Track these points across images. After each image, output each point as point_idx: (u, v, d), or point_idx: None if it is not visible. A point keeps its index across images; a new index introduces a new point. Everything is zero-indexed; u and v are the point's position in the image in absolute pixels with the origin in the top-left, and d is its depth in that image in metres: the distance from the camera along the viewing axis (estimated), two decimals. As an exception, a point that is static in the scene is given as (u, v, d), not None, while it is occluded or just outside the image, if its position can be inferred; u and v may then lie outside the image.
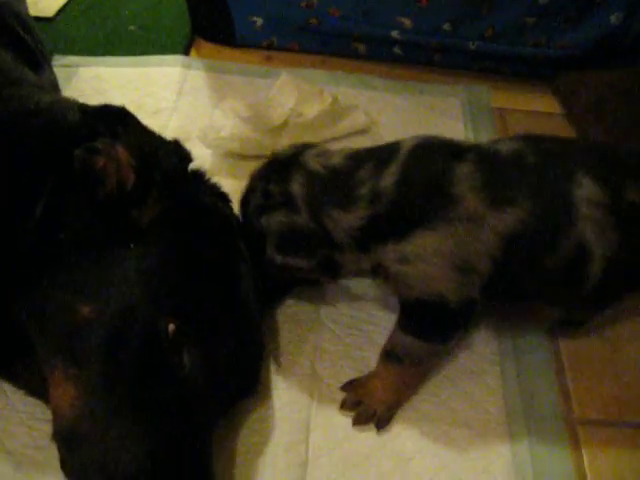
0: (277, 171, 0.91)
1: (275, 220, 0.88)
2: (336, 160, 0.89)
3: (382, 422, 0.91)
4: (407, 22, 1.45)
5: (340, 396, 0.93)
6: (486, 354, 1.01)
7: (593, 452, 0.92)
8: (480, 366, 0.99)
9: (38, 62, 1.19)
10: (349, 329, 1.02)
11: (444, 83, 1.56)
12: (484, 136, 1.40)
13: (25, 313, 0.82)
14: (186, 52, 1.59)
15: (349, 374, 0.96)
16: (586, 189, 0.81)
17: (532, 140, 0.87)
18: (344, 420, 0.92)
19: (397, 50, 1.55)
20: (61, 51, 1.55)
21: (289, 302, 1.05)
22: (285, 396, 0.94)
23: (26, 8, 1.36)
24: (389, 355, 0.90)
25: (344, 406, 0.92)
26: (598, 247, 0.81)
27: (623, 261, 0.84)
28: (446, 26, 1.45)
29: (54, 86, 1.23)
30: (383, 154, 0.88)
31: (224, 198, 0.99)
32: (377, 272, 0.88)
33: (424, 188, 0.83)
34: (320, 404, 0.93)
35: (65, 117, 0.92)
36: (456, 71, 1.59)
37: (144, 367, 0.77)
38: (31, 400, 0.92)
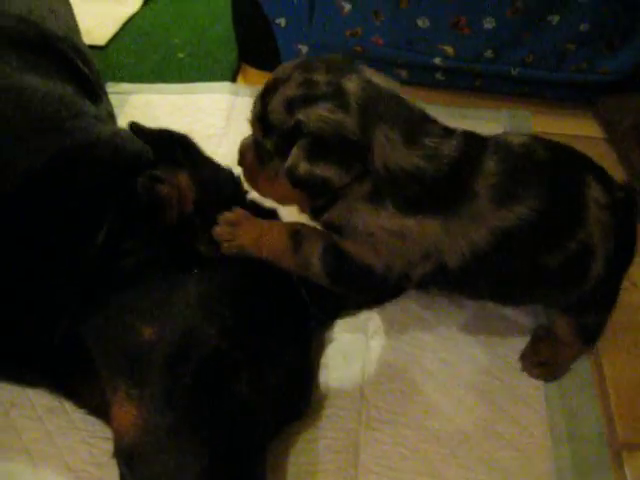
0: (324, 63, 0.80)
1: (318, 113, 0.75)
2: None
3: (229, 248, 0.87)
4: (449, 50, 1.47)
5: (389, 417, 0.96)
6: (531, 379, 1.02)
7: (637, 476, 0.93)
8: (524, 390, 1.00)
9: (96, 93, 1.24)
10: (395, 352, 1.05)
11: (486, 108, 1.58)
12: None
13: (90, 335, 0.86)
14: (233, 79, 1.64)
15: (396, 397, 0.98)
16: (595, 190, 0.82)
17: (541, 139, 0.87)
18: (392, 441, 0.94)
19: (439, 76, 1.57)
20: (113, 78, 1.61)
21: (336, 326, 1.08)
22: (334, 418, 0.96)
23: (82, 39, 1.42)
24: (296, 235, 0.86)
25: (219, 220, 0.87)
26: (602, 247, 0.82)
27: (618, 261, 0.86)
28: (488, 53, 1.47)
29: (111, 115, 1.28)
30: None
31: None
32: (343, 226, 0.82)
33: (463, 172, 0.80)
34: (368, 426, 0.96)
35: (125, 148, 0.96)
36: (498, 96, 1.61)
37: (203, 388, 0.80)
38: (91, 418, 0.95)
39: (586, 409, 0.99)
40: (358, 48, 1.52)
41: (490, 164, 0.80)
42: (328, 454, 0.93)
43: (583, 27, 1.42)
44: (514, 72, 1.50)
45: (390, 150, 0.77)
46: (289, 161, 0.77)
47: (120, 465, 0.82)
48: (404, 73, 1.59)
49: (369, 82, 0.79)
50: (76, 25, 1.44)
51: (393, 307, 1.11)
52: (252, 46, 1.66)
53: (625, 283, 0.94)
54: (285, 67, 0.82)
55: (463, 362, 1.03)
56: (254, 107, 0.83)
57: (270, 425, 0.86)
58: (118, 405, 0.82)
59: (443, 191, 0.79)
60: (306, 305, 0.95)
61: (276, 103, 0.78)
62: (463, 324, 1.08)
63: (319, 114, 0.75)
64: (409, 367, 1.02)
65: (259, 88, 0.84)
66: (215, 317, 0.83)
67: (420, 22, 1.45)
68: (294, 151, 0.76)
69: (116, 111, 1.41)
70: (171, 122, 1.45)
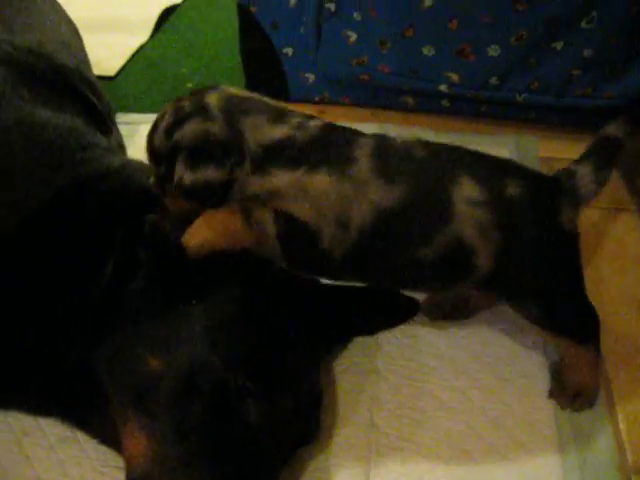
0: (190, 93, 0.92)
1: (188, 130, 0.85)
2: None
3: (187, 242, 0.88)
4: (455, 77, 1.49)
5: (399, 444, 0.96)
6: (540, 405, 1.02)
7: (648, 502, 0.93)
8: (534, 416, 1.00)
9: (106, 125, 1.26)
10: (405, 379, 1.05)
11: (492, 134, 1.59)
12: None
13: (100, 365, 0.87)
14: (241, 108, 1.66)
15: (407, 424, 0.98)
16: (466, 188, 0.86)
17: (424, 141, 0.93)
18: (404, 469, 0.94)
19: (445, 102, 1.59)
20: (122, 109, 1.63)
21: (346, 352, 1.08)
22: (344, 445, 0.97)
23: (92, 71, 1.44)
24: (244, 210, 0.88)
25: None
26: (482, 241, 0.86)
27: (514, 252, 0.88)
28: (493, 80, 1.48)
29: (121, 146, 1.30)
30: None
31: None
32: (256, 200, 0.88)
33: (336, 140, 0.89)
34: (379, 453, 0.96)
35: (133, 180, 0.98)
36: (503, 121, 1.62)
37: (212, 418, 0.81)
38: (102, 448, 0.95)
39: (596, 435, 0.99)
40: (364, 76, 1.54)
41: (366, 141, 0.89)
42: (339, 480, 0.93)
43: (587, 53, 1.43)
44: (519, 98, 1.51)
45: (259, 131, 0.87)
46: (175, 177, 0.86)
47: (132, 496, 0.83)
48: (410, 100, 1.60)
49: (228, 94, 0.90)
50: (86, 57, 1.47)
51: (403, 333, 1.12)
52: (260, 76, 1.68)
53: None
54: (163, 109, 0.91)
55: (472, 388, 1.03)
56: (146, 144, 0.92)
57: (281, 451, 0.86)
58: (129, 435, 0.83)
59: (319, 150, 0.87)
60: (314, 330, 0.96)
61: (157, 136, 0.89)
62: (472, 350, 1.08)
63: (189, 129, 0.85)
64: (419, 394, 1.03)
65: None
66: (221, 347, 0.84)
67: (425, 50, 1.47)
68: (177, 167, 0.86)
69: (126, 141, 1.43)
70: (180, 151, 1.49)
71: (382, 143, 0.90)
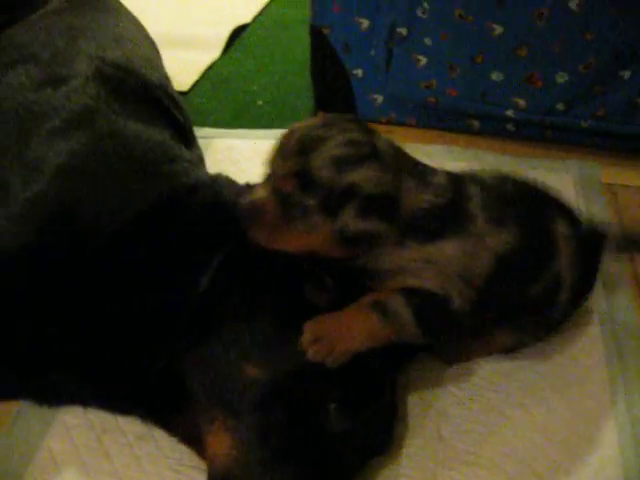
0: (351, 121, 0.86)
1: (366, 176, 0.80)
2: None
3: (336, 361, 0.85)
4: (522, 102, 1.52)
5: (465, 458, 0.99)
6: (604, 426, 1.03)
7: None
8: (598, 436, 1.02)
9: (188, 138, 1.32)
10: (472, 394, 1.07)
11: (556, 159, 1.61)
12: (595, 209, 1.44)
13: (189, 369, 0.91)
14: (310, 126, 1.71)
15: (473, 438, 1.01)
16: (560, 224, 0.94)
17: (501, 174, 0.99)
18: (469, 481, 0.97)
19: (510, 127, 1.61)
20: (195, 123, 1.68)
21: (414, 366, 1.11)
22: (413, 456, 0.99)
23: (173, 87, 1.50)
24: (377, 305, 0.88)
25: (303, 344, 0.85)
26: (569, 276, 0.94)
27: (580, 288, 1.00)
28: (559, 106, 1.51)
29: (201, 159, 1.35)
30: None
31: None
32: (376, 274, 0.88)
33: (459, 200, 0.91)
34: (445, 465, 0.98)
35: (224, 193, 1.02)
36: (567, 146, 1.64)
37: (296, 423, 0.85)
38: (179, 447, 0.99)
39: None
40: (432, 99, 1.58)
41: (473, 189, 0.93)
42: (407, 493, 0.96)
43: (653, 81, 1.45)
44: (584, 124, 1.54)
45: (411, 196, 0.85)
46: (342, 220, 0.81)
47: (213, 492, 0.87)
48: (476, 123, 1.64)
49: (392, 143, 0.88)
50: (166, 73, 1.53)
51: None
52: (329, 95, 1.73)
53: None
54: (312, 126, 0.85)
55: (539, 406, 1.05)
56: (287, 162, 0.83)
57: (357, 460, 0.90)
58: (214, 434, 0.87)
59: (450, 215, 0.88)
60: (390, 344, 0.99)
61: (322, 162, 0.80)
62: (539, 370, 1.10)
63: (370, 175, 0.81)
64: (486, 409, 1.05)
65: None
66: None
67: (494, 76, 1.50)
68: (348, 211, 0.81)
69: (199, 155, 1.49)
70: (251, 166, 1.53)
71: (482, 186, 0.93)
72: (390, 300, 0.88)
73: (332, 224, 0.82)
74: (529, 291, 0.95)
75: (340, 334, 0.86)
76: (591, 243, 1.04)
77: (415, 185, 0.86)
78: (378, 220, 0.82)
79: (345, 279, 0.94)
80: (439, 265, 0.87)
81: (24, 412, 1.06)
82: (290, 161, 0.82)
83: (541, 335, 1.08)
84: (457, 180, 0.93)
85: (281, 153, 0.84)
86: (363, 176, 0.80)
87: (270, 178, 0.86)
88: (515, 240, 0.91)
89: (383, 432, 0.94)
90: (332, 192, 0.80)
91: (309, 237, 0.84)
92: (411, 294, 0.88)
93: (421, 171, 0.90)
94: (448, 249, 0.87)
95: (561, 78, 1.47)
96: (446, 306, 0.88)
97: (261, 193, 0.85)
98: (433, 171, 0.92)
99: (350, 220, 0.81)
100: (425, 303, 0.88)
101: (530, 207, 0.97)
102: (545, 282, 0.95)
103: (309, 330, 0.86)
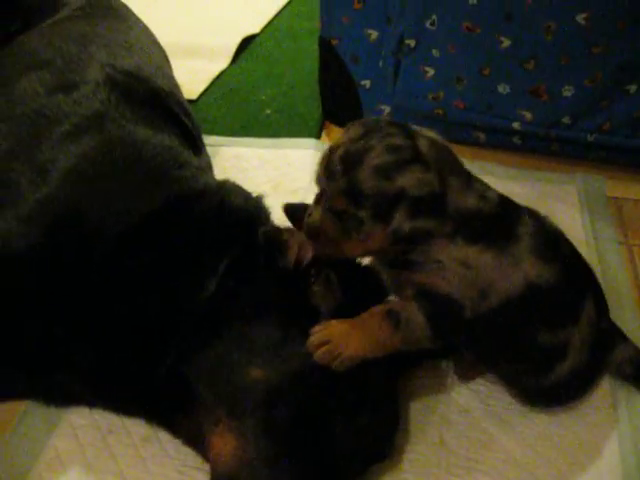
0: (391, 125, 0.88)
1: (412, 178, 0.82)
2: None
3: (342, 365, 0.87)
4: (528, 115, 1.53)
5: (468, 464, 0.99)
6: (605, 433, 1.04)
7: None
8: (599, 443, 1.02)
9: (197, 145, 1.33)
10: (473, 401, 1.08)
11: (561, 172, 1.62)
12: (600, 224, 1.45)
13: (194, 371, 0.92)
14: (318, 135, 1.73)
15: (475, 445, 1.02)
16: (590, 307, 0.98)
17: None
18: (473, 488, 0.97)
19: (516, 139, 1.62)
20: (203, 131, 1.70)
21: (417, 373, 1.12)
22: (415, 463, 1.00)
23: (182, 94, 1.52)
24: (390, 314, 0.90)
25: (311, 345, 0.88)
26: (576, 356, 0.96)
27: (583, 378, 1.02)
28: (565, 119, 1.52)
29: (209, 166, 1.37)
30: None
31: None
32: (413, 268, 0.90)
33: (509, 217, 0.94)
34: (448, 472, 0.99)
35: (230, 200, 1.03)
36: (572, 160, 1.64)
37: (299, 426, 0.86)
38: (183, 449, 1.00)
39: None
40: (439, 111, 1.59)
41: (526, 219, 0.94)
42: (410, 497, 0.96)
43: (658, 96, 1.46)
44: (590, 138, 1.55)
45: (457, 195, 0.87)
46: (395, 224, 0.84)
47: (217, 493, 0.87)
48: (482, 136, 1.65)
49: (435, 141, 0.89)
50: (176, 81, 1.55)
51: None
52: (336, 106, 1.75)
53: None
54: (353, 138, 0.86)
55: (539, 413, 1.06)
56: (336, 182, 0.85)
57: (358, 466, 0.91)
58: (218, 435, 0.88)
59: (495, 226, 0.91)
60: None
61: (367, 174, 0.83)
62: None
63: (414, 178, 0.83)
64: (487, 416, 1.06)
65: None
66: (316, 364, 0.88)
67: (501, 88, 1.52)
68: (398, 215, 0.83)
69: (207, 162, 1.50)
70: (259, 175, 1.55)
71: (539, 220, 0.96)
72: (403, 309, 0.90)
73: (386, 229, 0.85)
74: (538, 337, 0.94)
75: (348, 339, 0.88)
76: (605, 343, 1.05)
77: (460, 185, 0.88)
78: (428, 218, 0.85)
79: (352, 284, 0.96)
80: (472, 272, 0.88)
81: (31, 411, 1.07)
82: (337, 181, 0.85)
83: (521, 398, 1.07)
84: (511, 203, 0.97)
85: (327, 173, 0.87)
86: (408, 180, 0.82)
87: (322, 197, 0.89)
88: (551, 279, 0.92)
89: (385, 437, 0.94)
90: (381, 200, 0.83)
91: (367, 244, 0.88)
92: (425, 298, 0.90)
93: (467, 175, 0.92)
94: (487, 256, 0.88)
95: (567, 91, 1.48)
96: (460, 312, 0.90)
97: (316, 215, 0.88)
98: (486, 186, 0.95)
99: (402, 222, 0.84)
100: (439, 307, 0.90)
101: (575, 268, 1.00)
102: (556, 339, 0.95)
103: (317, 332, 0.88)
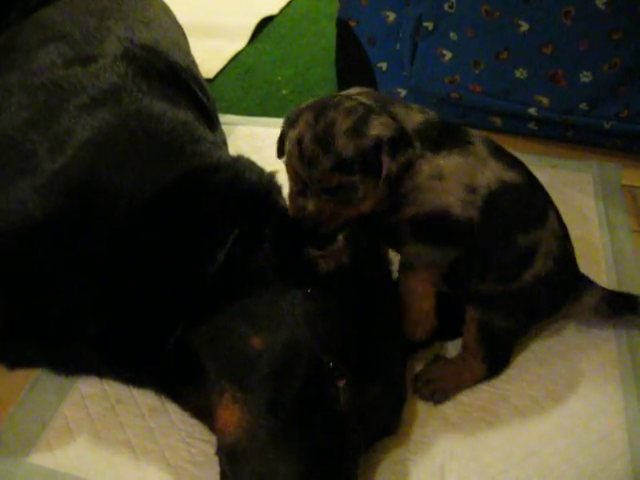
0: (334, 96, 0.93)
1: (379, 125, 0.87)
2: None
3: (440, 402, 1.05)
4: (545, 101, 1.53)
5: (472, 443, 1.00)
6: (614, 421, 1.03)
7: None
8: (608, 430, 1.02)
9: (212, 121, 1.33)
10: (482, 384, 1.08)
11: (576, 158, 1.62)
12: (615, 212, 1.45)
13: (201, 339, 0.93)
14: (333, 116, 1.72)
15: (480, 426, 1.02)
16: (553, 220, 1.02)
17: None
18: (479, 466, 0.97)
19: (532, 126, 1.62)
20: (219, 110, 1.70)
21: (425, 355, 1.12)
22: (421, 441, 1.01)
23: (199, 71, 1.52)
24: (404, 266, 1.00)
25: (418, 384, 1.06)
26: (541, 262, 0.99)
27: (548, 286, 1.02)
28: (583, 106, 1.51)
29: (224, 142, 1.37)
30: None
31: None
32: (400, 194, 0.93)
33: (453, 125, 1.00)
34: (454, 451, 0.99)
35: (244, 174, 1.04)
36: (588, 147, 1.64)
37: (304, 396, 0.86)
38: (190, 420, 1.02)
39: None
40: (455, 94, 1.59)
41: (474, 132, 1.01)
42: (414, 476, 0.97)
43: (677, 83, 1.45)
44: (607, 125, 1.54)
45: (406, 117, 0.93)
46: (385, 170, 0.88)
47: (222, 462, 0.88)
48: (498, 121, 1.64)
49: (359, 91, 0.97)
50: (193, 58, 1.55)
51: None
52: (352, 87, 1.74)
53: None
54: (310, 123, 0.88)
55: (547, 399, 1.06)
56: (318, 164, 0.87)
57: (363, 439, 0.91)
58: (224, 407, 0.89)
59: (448, 132, 0.97)
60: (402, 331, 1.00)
61: (345, 141, 0.86)
62: (550, 365, 1.11)
63: (380, 123, 0.88)
64: (495, 400, 1.06)
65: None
66: (319, 331, 0.90)
67: (518, 73, 1.51)
68: (384, 160, 0.88)
69: (223, 139, 1.50)
70: (273, 154, 1.55)
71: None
72: (407, 253, 0.99)
73: (378, 181, 0.89)
74: (516, 240, 0.97)
75: (450, 380, 1.06)
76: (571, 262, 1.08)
77: (402, 109, 0.94)
78: (404, 150, 0.89)
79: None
80: (443, 179, 0.92)
81: (41, 380, 1.09)
82: (321, 162, 0.87)
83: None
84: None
85: (306, 161, 0.88)
86: (376, 128, 0.87)
87: (307, 187, 0.91)
88: (518, 179, 0.97)
89: (391, 413, 0.95)
90: (366, 155, 0.87)
91: (368, 201, 0.91)
92: (418, 232, 0.95)
93: (398, 99, 1.03)
94: (454, 159, 0.93)
95: (585, 77, 1.47)
96: (448, 220, 0.94)
97: (311, 205, 0.91)
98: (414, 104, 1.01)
99: (389, 165, 0.88)
100: (429, 230, 0.95)
101: (534, 177, 1.04)
102: (528, 241, 0.97)
103: (426, 372, 1.07)
